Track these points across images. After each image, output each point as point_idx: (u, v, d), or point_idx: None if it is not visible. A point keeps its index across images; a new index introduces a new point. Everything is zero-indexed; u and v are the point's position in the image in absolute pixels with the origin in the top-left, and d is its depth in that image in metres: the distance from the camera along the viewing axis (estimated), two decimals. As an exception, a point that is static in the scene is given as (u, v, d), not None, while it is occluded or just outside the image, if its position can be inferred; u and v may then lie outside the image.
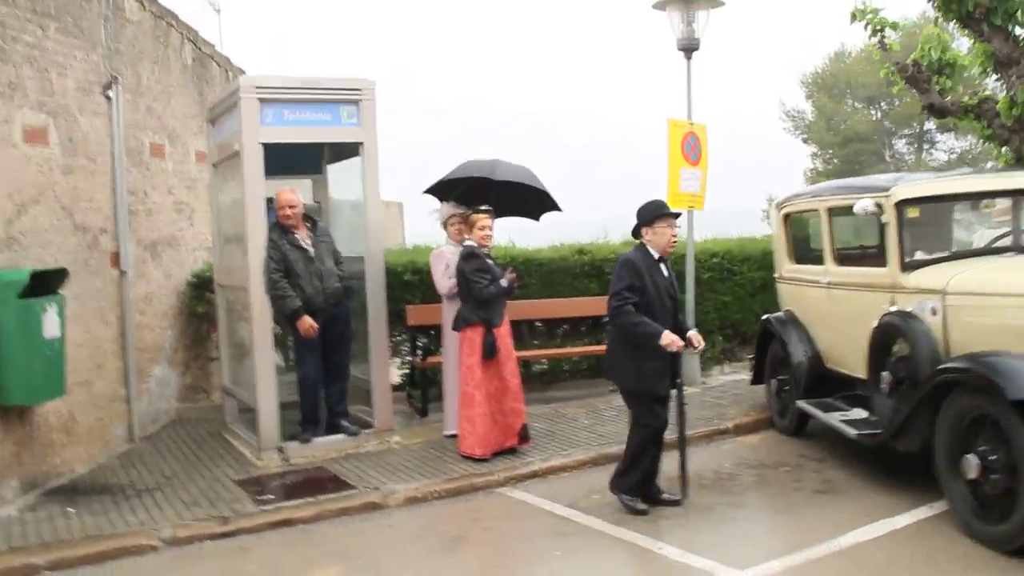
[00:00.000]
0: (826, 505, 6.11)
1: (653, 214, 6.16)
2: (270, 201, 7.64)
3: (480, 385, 7.34)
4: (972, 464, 5.24)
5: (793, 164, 47.34)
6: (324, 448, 7.72)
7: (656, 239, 6.13)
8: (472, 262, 7.27)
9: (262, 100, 7.30)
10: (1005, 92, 13.46)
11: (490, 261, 7.45)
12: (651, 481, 6.30)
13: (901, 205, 6.41)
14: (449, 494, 6.79)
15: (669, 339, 5.87)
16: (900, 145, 43.43)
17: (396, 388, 9.82)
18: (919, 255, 6.59)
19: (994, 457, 5.13)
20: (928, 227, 7.30)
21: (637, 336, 6.01)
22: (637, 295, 5.98)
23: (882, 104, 41.54)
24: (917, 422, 5.78)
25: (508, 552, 5.69)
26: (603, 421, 8.55)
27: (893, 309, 6.37)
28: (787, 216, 8.20)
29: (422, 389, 9.03)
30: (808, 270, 7.83)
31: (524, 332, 9.71)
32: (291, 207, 7.58)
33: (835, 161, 41.02)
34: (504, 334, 7.47)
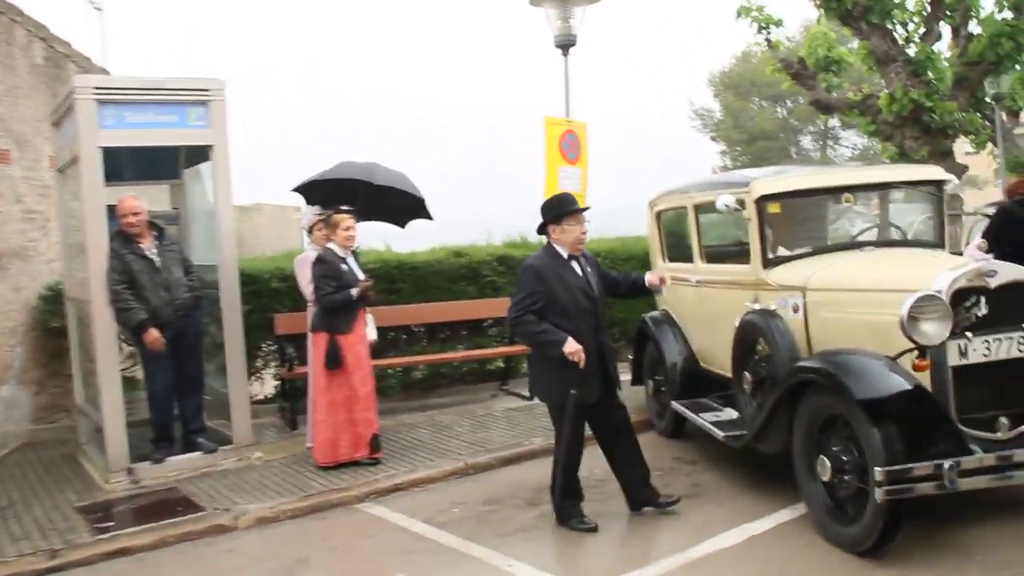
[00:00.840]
0: (689, 511, 5.89)
1: (559, 211, 5.78)
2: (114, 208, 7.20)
3: (324, 392, 7.09)
4: (826, 465, 5.08)
5: (705, 162, 47.95)
6: (178, 467, 7.28)
7: (564, 237, 5.77)
8: (320, 267, 7.00)
9: (100, 101, 6.86)
10: (885, 89, 13.64)
11: (346, 266, 7.11)
12: (641, 488, 5.94)
13: (761, 201, 6.25)
14: (304, 512, 6.43)
15: (572, 347, 5.46)
16: (806, 141, 44.29)
17: (269, 400, 9.47)
18: (781, 251, 6.45)
19: (846, 458, 4.97)
20: (800, 223, 7.19)
21: (541, 345, 5.69)
22: (542, 300, 5.62)
23: (787, 102, 42.26)
24: (777, 423, 5.60)
25: (348, 574, 5.35)
26: (477, 428, 8.28)
27: (756, 307, 6.22)
28: (659, 214, 8.02)
29: (291, 400, 8.64)
30: (680, 268, 7.65)
31: (400, 338, 9.39)
32: (135, 215, 7.13)
33: (743, 158, 41.57)
34: (356, 341, 7.16)
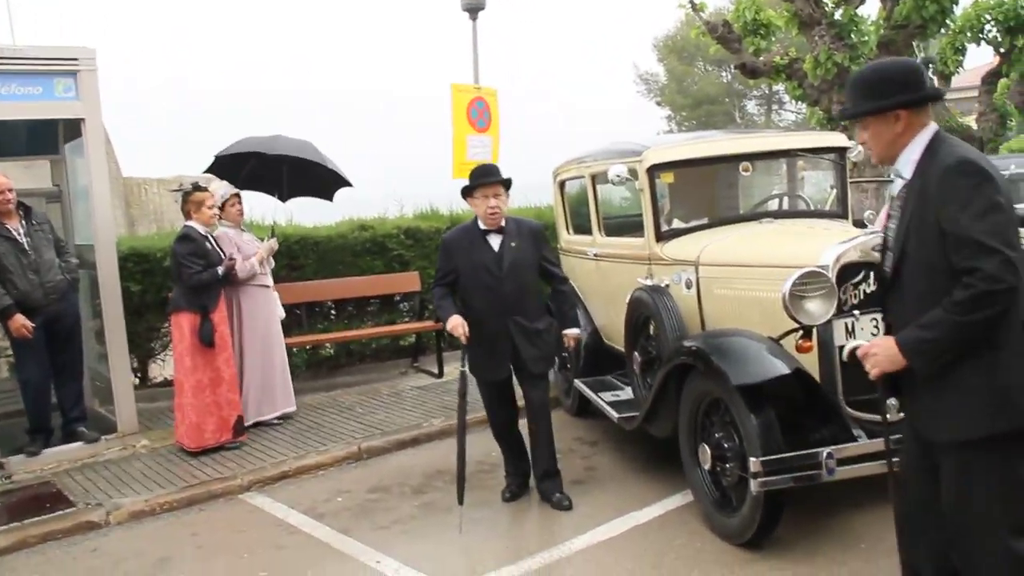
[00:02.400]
0: (578, 498, 5.63)
1: (472, 183, 5.56)
2: None
3: (191, 374, 6.82)
4: (707, 453, 4.86)
5: (650, 129, 47.78)
6: (56, 459, 6.91)
7: (476, 209, 5.57)
8: (187, 246, 6.72)
9: (-49, 72, 6.39)
10: (810, 53, 13.44)
11: (210, 244, 6.87)
12: (541, 480, 5.72)
13: (652, 170, 5.97)
14: (182, 504, 6.12)
15: (451, 324, 5.35)
16: (750, 106, 44.19)
17: (169, 383, 9.09)
18: (677, 223, 6.19)
19: (727, 445, 4.74)
20: (697, 193, 6.95)
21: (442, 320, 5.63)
22: (452, 275, 5.55)
23: (732, 67, 42.07)
24: (664, 406, 5.36)
25: (208, 575, 5.04)
26: (379, 409, 7.99)
27: (646, 283, 5.95)
28: (562, 184, 7.73)
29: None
30: (580, 241, 7.38)
31: (303, 316, 9.04)
32: (10, 190, 6.70)
33: (687, 124, 41.43)
34: (220, 321, 6.92)
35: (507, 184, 5.61)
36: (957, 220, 2.89)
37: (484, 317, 5.45)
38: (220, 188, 7.69)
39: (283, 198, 8.00)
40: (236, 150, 7.69)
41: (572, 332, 5.75)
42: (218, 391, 6.91)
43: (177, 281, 6.92)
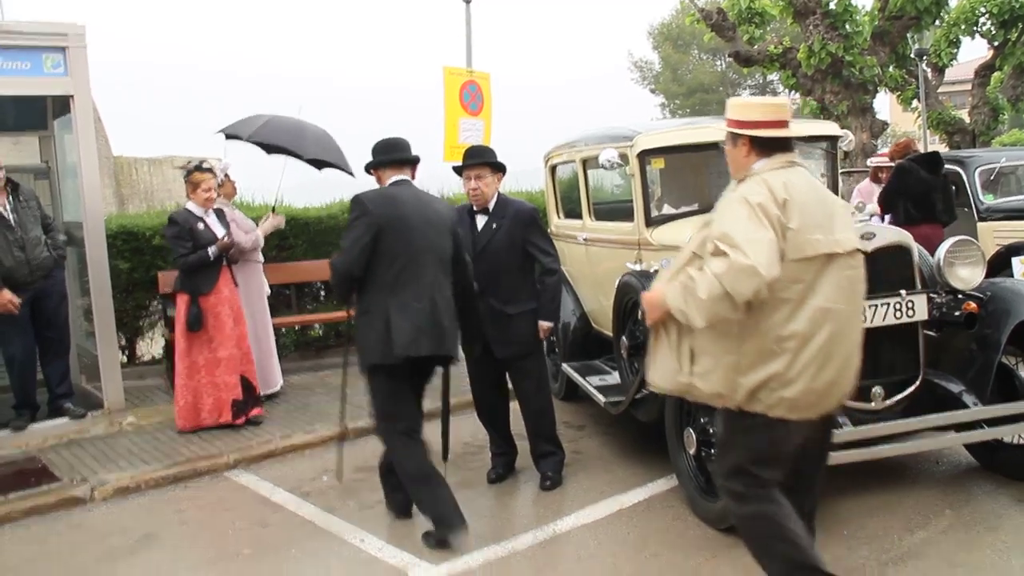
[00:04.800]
0: (566, 481, 5.67)
1: (460, 165, 5.64)
2: None
3: (185, 355, 6.84)
4: (692, 437, 4.87)
5: (645, 115, 47.74)
6: (42, 435, 6.91)
7: (465, 189, 5.67)
8: (170, 228, 6.77)
9: (-63, 46, 6.35)
10: (804, 42, 13.46)
11: (203, 224, 6.84)
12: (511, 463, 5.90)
13: (643, 155, 5.97)
14: (167, 481, 6.13)
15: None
16: (744, 95, 44.07)
17: (157, 361, 9.10)
18: (667, 209, 6.20)
19: (712, 430, 4.75)
20: (688, 179, 6.94)
21: None
22: None
23: (726, 55, 42.08)
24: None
25: (192, 551, 5.03)
26: (364, 390, 7.94)
27: (637, 267, 5.95)
28: (554, 168, 7.72)
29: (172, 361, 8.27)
30: (571, 225, 7.38)
31: (292, 296, 9.03)
32: None
33: (681, 112, 41.41)
34: (217, 303, 6.86)
35: (496, 167, 5.61)
36: None
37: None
38: (218, 164, 7.65)
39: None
40: (265, 140, 7.58)
41: (544, 324, 5.64)
42: (215, 372, 6.88)
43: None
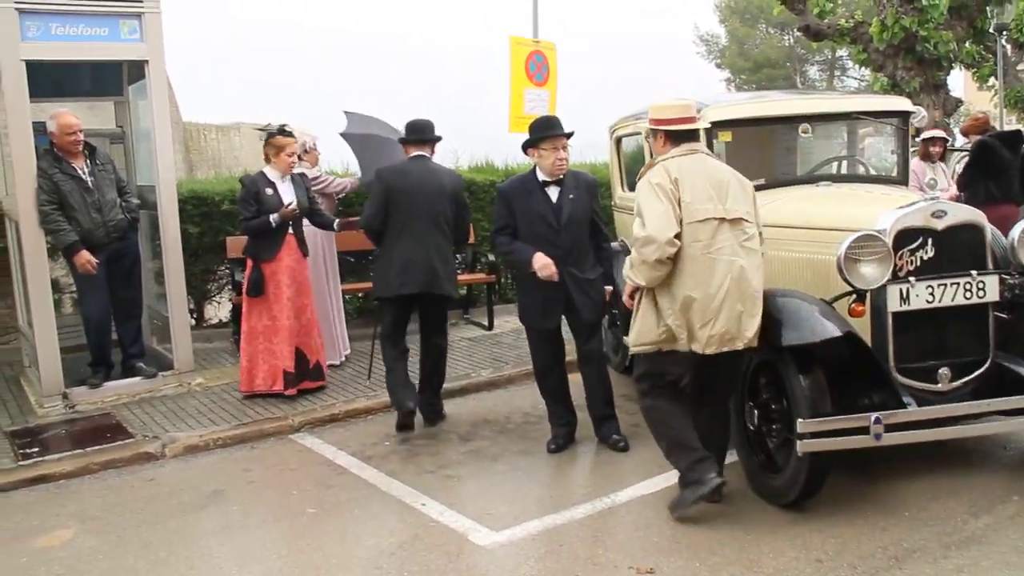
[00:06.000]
0: (622, 454, 5.71)
1: (537, 135, 5.64)
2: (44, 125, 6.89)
3: (246, 320, 6.96)
4: (753, 413, 4.87)
5: (708, 89, 47.14)
6: (116, 393, 7.13)
7: (541, 161, 5.67)
8: (241, 191, 6.83)
9: (22, 11, 6.47)
10: (878, 16, 13.15)
11: (272, 190, 6.84)
12: (598, 425, 5.95)
13: (712, 128, 5.92)
14: (234, 441, 6.29)
15: (540, 262, 5.51)
16: (812, 71, 43.37)
17: (225, 324, 9.30)
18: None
19: (775, 407, 4.75)
20: (756, 153, 6.87)
21: (513, 265, 6.33)
22: (511, 224, 5.69)
23: (795, 30, 41.28)
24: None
25: (258, 508, 5.16)
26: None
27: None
28: (619, 140, 7.70)
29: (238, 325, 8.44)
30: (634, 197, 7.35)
31: (355, 263, 9.15)
32: (71, 133, 6.80)
33: (746, 87, 40.80)
34: (279, 271, 6.87)
35: (569, 137, 5.67)
36: None
37: None
38: (303, 136, 7.74)
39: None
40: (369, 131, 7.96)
41: (609, 289, 5.93)
42: (273, 340, 6.92)
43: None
